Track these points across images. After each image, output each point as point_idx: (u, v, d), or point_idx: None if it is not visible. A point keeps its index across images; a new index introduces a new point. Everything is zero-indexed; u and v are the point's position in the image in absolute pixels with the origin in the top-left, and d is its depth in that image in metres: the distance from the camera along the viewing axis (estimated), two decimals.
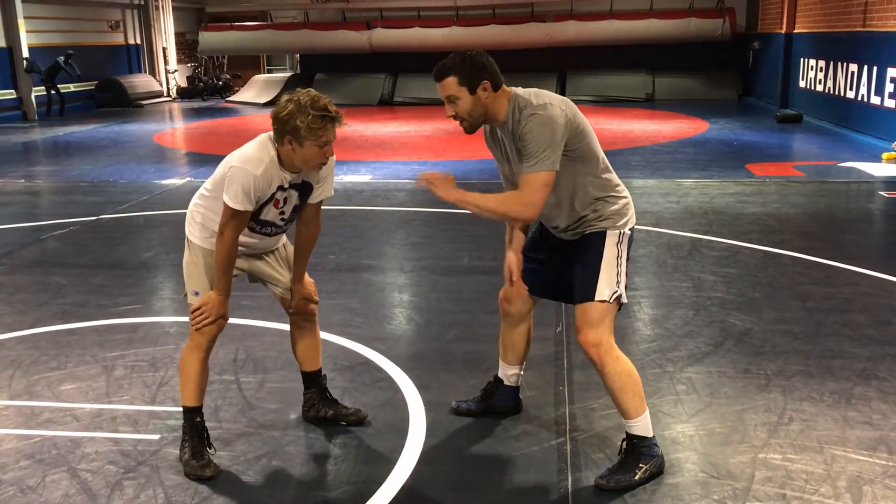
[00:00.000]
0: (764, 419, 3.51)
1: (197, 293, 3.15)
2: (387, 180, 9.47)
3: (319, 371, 3.54)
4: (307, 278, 3.38)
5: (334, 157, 3.11)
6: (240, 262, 3.21)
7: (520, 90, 2.96)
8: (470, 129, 3.02)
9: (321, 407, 3.53)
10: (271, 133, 3.00)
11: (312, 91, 2.94)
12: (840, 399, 3.68)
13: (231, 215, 2.97)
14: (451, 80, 2.90)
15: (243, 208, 2.95)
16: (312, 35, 19.96)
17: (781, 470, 3.10)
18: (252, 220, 3.07)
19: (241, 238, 3.11)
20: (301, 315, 3.42)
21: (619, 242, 3.04)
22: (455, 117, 2.98)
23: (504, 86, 2.95)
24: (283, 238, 3.40)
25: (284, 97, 2.96)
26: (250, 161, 2.95)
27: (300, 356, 3.51)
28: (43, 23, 18.25)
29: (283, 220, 3.18)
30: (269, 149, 2.99)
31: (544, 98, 2.90)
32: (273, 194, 3.04)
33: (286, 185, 3.06)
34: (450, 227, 7.15)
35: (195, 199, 3.21)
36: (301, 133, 2.86)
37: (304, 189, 3.14)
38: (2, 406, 3.76)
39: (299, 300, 3.35)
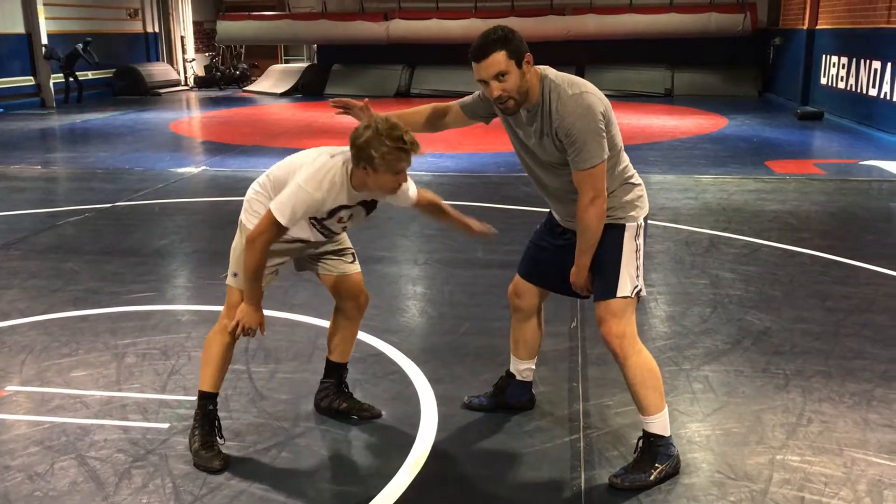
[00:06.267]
0: (782, 420, 3.44)
1: (236, 275, 3.14)
2: None
3: (345, 365, 3.51)
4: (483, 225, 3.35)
5: (409, 181, 3.11)
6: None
7: (550, 72, 2.88)
8: (515, 108, 2.88)
9: (335, 398, 3.50)
10: (349, 158, 2.96)
11: (392, 119, 2.90)
12: (860, 401, 3.61)
13: (269, 225, 2.92)
14: (501, 55, 2.77)
15: (285, 223, 2.92)
16: (330, 25, 19.92)
17: (800, 472, 3.04)
18: (313, 219, 3.07)
19: (298, 235, 3.13)
20: (353, 304, 3.38)
21: (636, 236, 2.98)
22: (500, 98, 2.84)
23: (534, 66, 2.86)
24: None
25: (364, 123, 2.92)
26: (314, 183, 2.91)
27: (334, 345, 3.46)
28: (62, 10, 18.31)
29: (343, 229, 3.19)
30: (341, 172, 2.95)
31: (579, 86, 2.82)
32: (335, 211, 3.03)
33: (352, 204, 3.04)
34: None
35: (255, 187, 3.17)
36: (375, 162, 2.84)
37: (371, 205, 3.14)
38: (12, 391, 3.75)
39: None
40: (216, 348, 3.15)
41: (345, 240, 3.38)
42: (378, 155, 2.82)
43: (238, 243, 3.15)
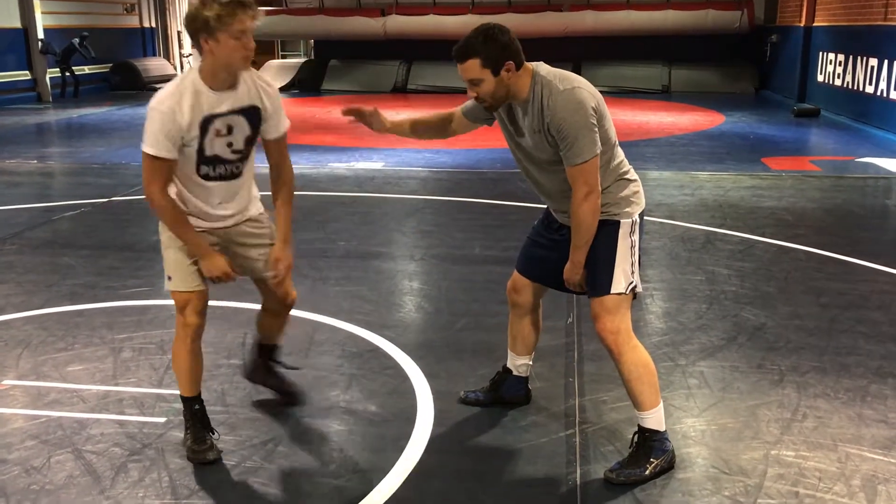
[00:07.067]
0: (777, 415, 3.45)
1: (170, 278, 3.04)
2: (398, 168, 9.41)
3: (277, 346, 3.49)
4: (288, 254, 3.07)
5: (278, 93, 2.97)
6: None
7: (542, 68, 2.89)
8: (491, 110, 2.96)
9: (265, 374, 3.50)
10: (195, 65, 2.85)
11: None
12: (855, 396, 3.62)
13: (150, 168, 2.77)
14: (474, 63, 2.80)
15: (155, 152, 2.75)
16: (327, 21, 19.88)
17: (794, 467, 3.05)
18: (200, 162, 2.88)
19: (199, 205, 2.96)
20: (280, 304, 3.28)
21: (631, 232, 2.98)
22: (477, 99, 2.91)
23: (525, 63, 2.88)
24: (256, 203, 3.16)
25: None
26: (158, 98, 2.78)
27: (264, 331, 3.43)
28: (58, 4, 18.25)
29: (234, 152, 2.92)
30: (188, 76, 2.81)
31: (570, 81, 2.83)
32: (206, 123, 2.81)
33: (224, 111, 2.84)
34: (461, 216, 7.11)
35: None
36: (211, 25, 2.68)
37: (252, 115, 2.93)
38: (9, 386, 3.75)
39: (278, 273, 3.05)
40: (182, 358, 3.10)
41: (262, 235, 3.19)
42: (212, 15, 2.66)
43: (161, 244, 3.06)
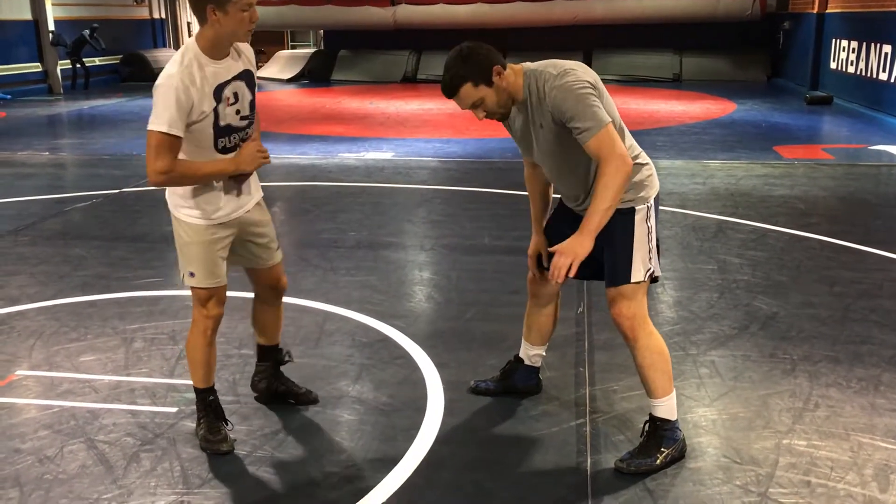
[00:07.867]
0: (789, 405, 3.44)
1: (193, 274, 3.02)
2: (408, 158, 9.40)
3: (277, 346, 3.46)
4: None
5: (252, 52, 2.99)
6: (226, 247, 3.06)
7: (530, 64, 2.89)
8: (505, 117, 2.94)
9: (273, 381, 3.47)
10: (190, 39, 2.85)
11: None
12: (868, 386, 3.60)
13: (160, 145, 2.71)
14: (467, 88, 2.79)
15: (169, 129, 2.70)
16: (337, 11, 19.85)
17: (806, 456, 3.04)
18: (217, 135, 2.87)
19: (216, 190, 2.94)
20: (272, 292, 3.30)
21: (647, 218, 2.96)
22: (488, 117, 2.89)
23: (511, 65, 2.87)
24: (258, 183, 3.15)
25: None
26: (167, 75, 2.75)
27: (260, 329, 3.41)
28: None
29: (242, 118, 2.94)
30: (188, 52, 2.80)
31: (562, 65, 2.83)
32: (218, 93, 2.82)
33: (230, 78, 2.85)
34: (471, 206, 7.09)
35: None
36: None
37: (249, 78, 2.95)
38: (22, 376, 3.77)
39: (252, 154, 2.96)
40: (198, 349, 3.11)
41: (266, 221, 3.19)
42: None
43: (175, 236, 3.05)
